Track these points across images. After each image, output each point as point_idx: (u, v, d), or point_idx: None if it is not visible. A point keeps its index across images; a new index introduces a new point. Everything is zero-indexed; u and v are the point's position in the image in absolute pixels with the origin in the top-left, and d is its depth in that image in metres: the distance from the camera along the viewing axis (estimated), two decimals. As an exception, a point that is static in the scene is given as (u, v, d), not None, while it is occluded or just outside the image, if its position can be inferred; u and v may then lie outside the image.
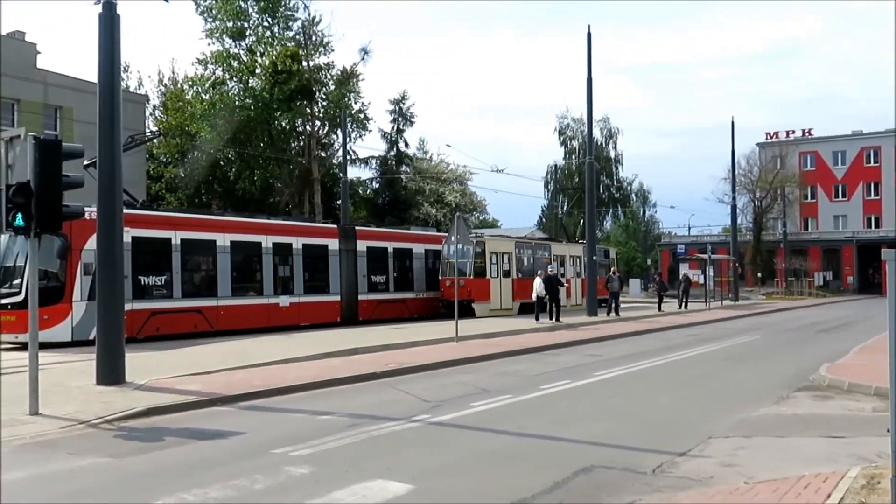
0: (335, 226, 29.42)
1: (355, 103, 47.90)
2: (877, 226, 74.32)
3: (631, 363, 16.15)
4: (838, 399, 11.56)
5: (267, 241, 24.66)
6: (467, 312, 29.61)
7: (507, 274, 32.52)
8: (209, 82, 46.68)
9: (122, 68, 43.99)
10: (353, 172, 52.87)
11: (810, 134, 77.74)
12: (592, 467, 7.32)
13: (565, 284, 32.49)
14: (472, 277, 29.76)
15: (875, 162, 75.42)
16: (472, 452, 8.05)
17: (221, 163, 47.29)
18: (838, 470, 6.90)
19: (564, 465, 7.36)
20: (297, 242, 25.74)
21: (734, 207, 53.67)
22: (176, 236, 21.87)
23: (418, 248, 31.18)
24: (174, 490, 6.52)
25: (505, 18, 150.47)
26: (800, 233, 74.45)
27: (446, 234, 23.87)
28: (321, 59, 47.40)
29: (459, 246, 30.68)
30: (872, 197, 75.66)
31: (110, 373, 11.89)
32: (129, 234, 18.25)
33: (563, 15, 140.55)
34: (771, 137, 78.81)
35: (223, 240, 23.20)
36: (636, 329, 25.21)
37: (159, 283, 21.43)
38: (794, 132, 78.07)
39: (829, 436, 8.94)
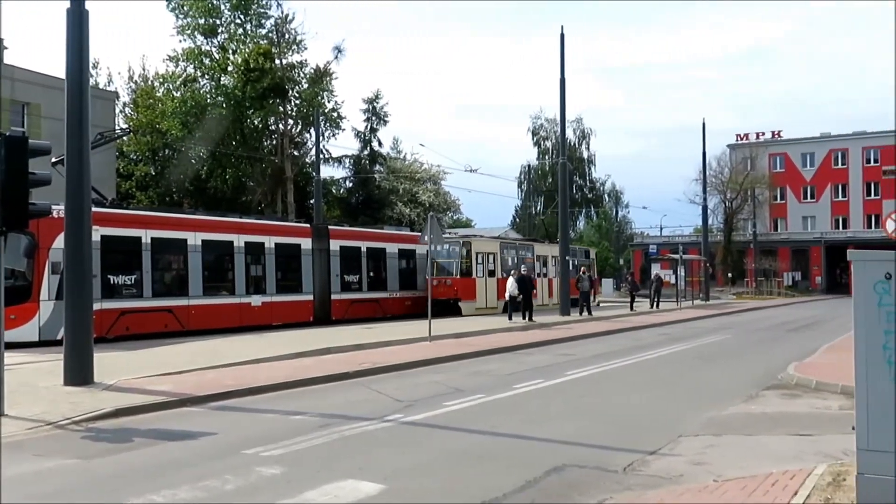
0: (308, 225, 29.28)
1: (328, 102, 47.79)
2: (844, 227, 75.49)
3: (603, 362, 16.25)
4: (806, 397, 11.72)
5: (239, 241, 24.47)
6: (454, 311, 30.34)
7: (492, 273, 32.73)
8: (180, 80, 46.27)
9: (92, 64, 43.26)
10: (327, 171, 52.72)
11: (780, 136, 78.77)
12: (564, 466, 7.35)
13: (534, 287, 32.81)
14: (458, 277, 30.49)
15: (843, 164, 76.62)
16: (444, 452, 8.05)
17: (193, 161, 46.89)
18: (805, 467, 7.00)
19: (536, 464, 7.38)
20: (270, 242, 25.57)
21: (705, 208, 54.27)
22: (146, 235, 21.63)
23: (392, 248, 31.14)
24: (143, 491, 6.45)
25: (479, 19, 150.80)
26: (769, 233, 75.40)
27: (420, 234, 23.87)
28: (294, 58, 47.25)
29: (447, 247, 31.66)
30: (840, 198, 76.85)
31: (78, 373, 11.73)
32: (98, 232, 18.02)
33: (538, 15, 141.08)
34: (741, 139, 79.76)
35: (194, 239, 22.99)
36: (608, 328, 25.37)
37: (129, 283, 21.18)
38: (763, 134, 79.06)
39: (797, 434, 9.05)
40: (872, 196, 74.49)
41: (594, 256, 46.77)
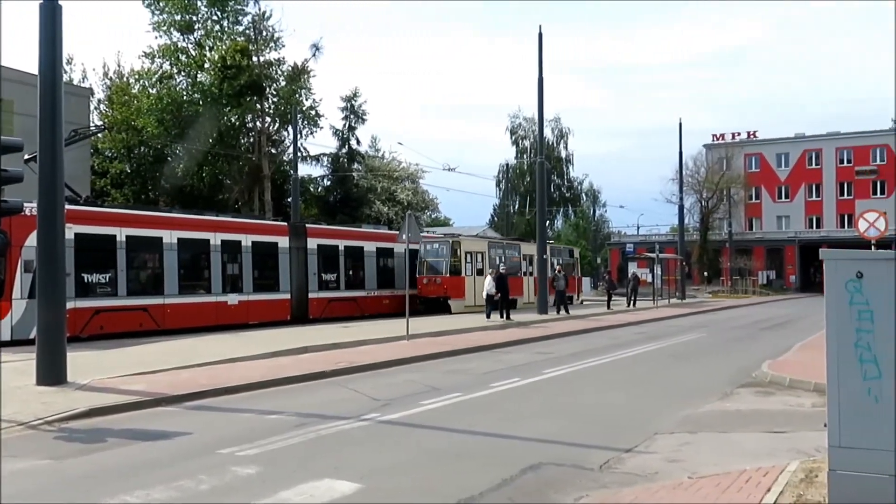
0: (285, 223, 29.13)
1: (306, 100, 47.63)
2: (818, 226, 76.36)
3: (579, 361, 16.32)
4: (780, 395, 11.84)
5: (215, 239, 24.29)
6: (444, 309, 30.85)
7: (480, 272, 32.90)
8: (156, 76, 45.87)
9: (66, 60, 42.73)
10: (304, 170, 52.51)
11: (755, 136, 79.51)
12: (540, 464, 7.37)
13: (516, 285, 33.26)
14: (447, 276, 30.99)
15: (817, 164, 77.49)
16: (420, 451, 8.04)
17: (169, 158, 46.49)
18: (778, 464, 7.07)
19: (513, 462, 7.40)
20: (247, 240, 25.41)
21: (681, 207, 54.65)
22: (121, 233, 21.41)
23: (370, 247, 31.06)
24: (116, 492, 6.38)
25: (459, 18, 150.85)
26: (744, 233, 76.10)
27: (398, 232, 23.87)
28: (271, 55, 47.02)
29: (436, 246, 32.28)
30: (814, 198, 77.72)
31: (51, 373, 11.58)
32: (71, 230, 17.80)
33: (516, 15, 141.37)
34: (717, 139, 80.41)
35: (170, 237, 22.79)
36: (585, 327, 25.48)
37: (103, 281, 20.96)
38: (739, 134, 79.76)
39: (770, 431, 9.15)
40: (845, 196, 75.42)
41: (578, 256, 47.11)
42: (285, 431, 8.79)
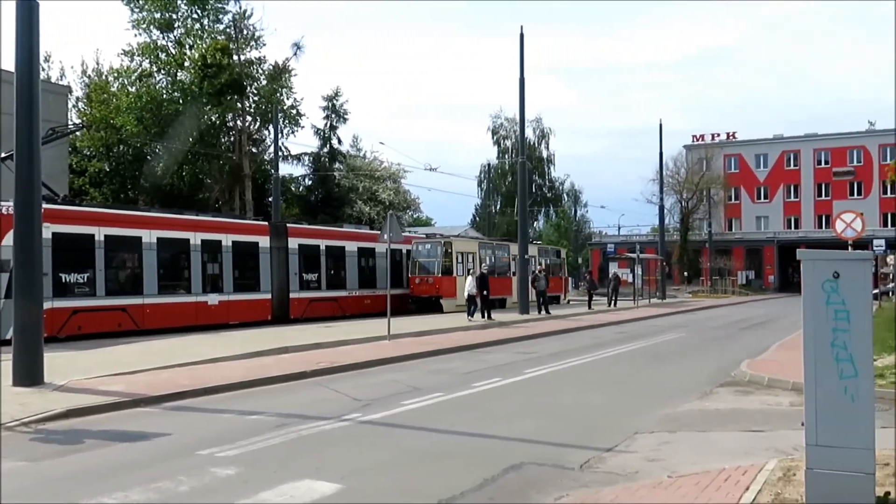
0: (266, 223, 29.00)
1: (287, 99, 47.42)
2: (796, 227, 77.06)
3: (560, 360, 16.38)
4: (758, 394, 11.94)
5: (195, 238, 24.13)
6: (435, 308, 31.56)
7: (471, 272, 33.08)
8: (135, 74, 45.49)
9: (43, 58, 42.15)
10: (286, 169, 52.23)
11: (734, 137, 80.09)
12: (522, 464, 7.38)
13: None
14: (439, 275, 31.60)
15: (795, 165, 78.19)
16: (402, 451, 8.03)
17: (148, 157, 46.12)
18: (757, 463, 7.13)
19: (494, 462, 7.40)
20: (227, 240, 25.26)
21: (662, 208, 55.01)
22: (100, 233, 21.22)
23: (351, 246, 30.99)
24: (93, 494, 6.32)
25: (440, 18, 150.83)
26: (724, 233, 76.66)
27: (380, 232, 23.85)
28: (252, 54, 46.79)
29: (428, 246, 32.88)
30: (792, 199, 78.41)
31: (27, 373, 11.45)
32: (49, 230, 17.62)
33: (498, 16, 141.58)
34: (697, 140, 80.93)
35: (149, 236, 22.62)
36: (566, 327, 25.56)
37: (81, 281, 20.76)
38: (719, 135, 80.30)
39: (749, 430, 9.22)
40: (823, 197, 76.16)
41: (565, 256, 47.63)
42: (266, 432, 8.74)
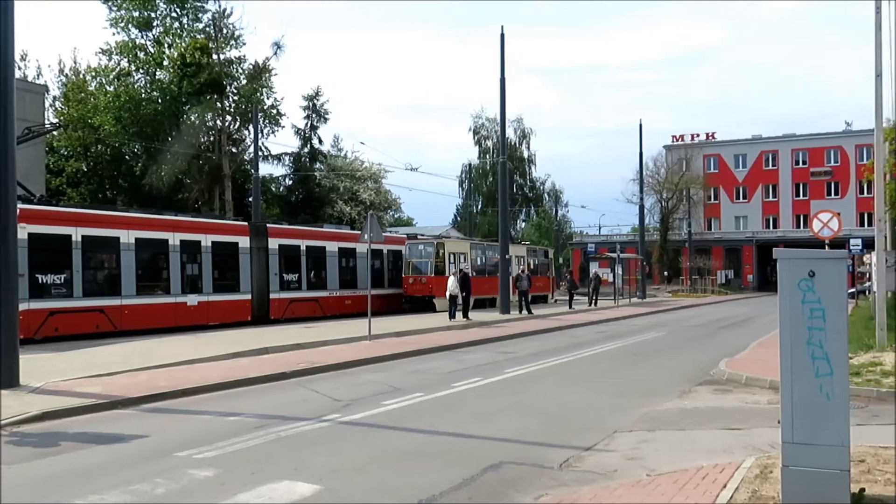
0: (246, 223, 28.82)
1: (268, 98, 47.22)
2: (774, 226, 77.73)
3: (541, 360, 16.41)
4: (736, 392, 12.03)
5: (174, 239, 23.94)
6: (428, 307, 32.19)
7: (454, 272, 33.32)
8: (114, 73, 45.11)
9: (19, 56, 41.63)
10: (266, 169, 52.05)
11: (713, 137, 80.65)
12: (501, 463, 7.38)
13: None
14: (432, 275, 32.15)
15: (773, 165, 78.86)
16: (381, 451, 8.00)
17: (127, 157, 45.73)
18: (734, 461, 7.19)
19: (474, 461, 7.40)
20: (206, 240, 25.09)
21: (642, 208, 55.26)
22: (77, 233, 21.00)
23: (332, 247, 30.88)
24: (69, 497, 6.26)
25: (420, 18, 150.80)
26: (703, 233, 77.21)
27: (360, 232, 23.79)
28: (232, 53, 46.56)
29: (421, 247, 33.42)
30: (771, 199, 79.08)
31: (3, 376, 11.31)
32: (24, 230, 17.46)
33: (479, 16, 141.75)
34: (677, 140, 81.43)
35: (128, 237, 22.41)
36: (547, 326, 25.62)
37: (58, 282, 20.54)
38: (698, 135, 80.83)
39: (727, 428, 9.28)
40: (801, 197, 76.87)
41: (552, 256, 48.00)
42: (245, 433, 8.69)
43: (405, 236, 36.58)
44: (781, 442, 5.39)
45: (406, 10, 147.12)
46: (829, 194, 74.83)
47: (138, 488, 6.49)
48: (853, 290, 38.73)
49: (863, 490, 5.75)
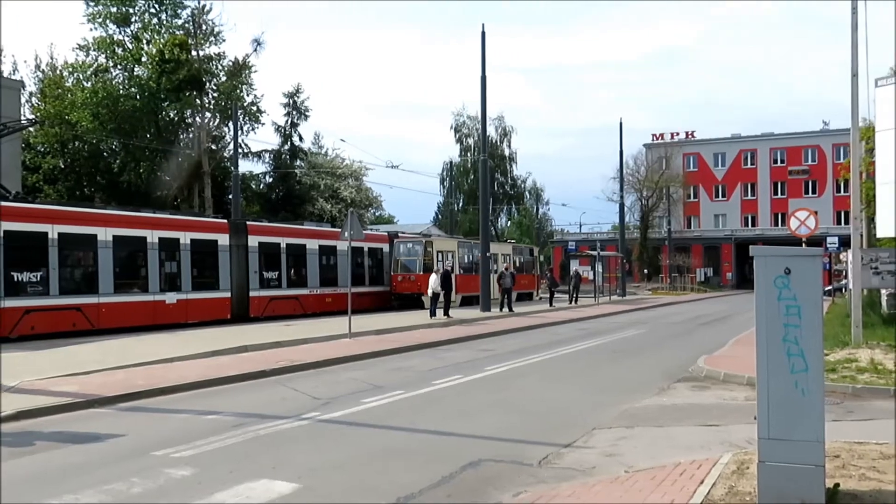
0: (225, 220, 28.63)
1: (247, 95, 46.92)
2: (753, 224, 78.41)
3: (522, 357, 16.44)
4: (714, 389, 12.11)
5: (153, 236, 23.74)
6: (417, 304, 32.51)
7: (435, 270, 33.43)
8: (91, 69, 44.64)
9: (-6, 51, 40.84)
10: (246, 166, 51.75)
11: (693, 136, 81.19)
12: (480, 461, 7.38)
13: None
14: (421, 273, 32.58)
15: (752, 164, 79.54)
16: (361, 449, 7.98)
17: (105, 154, 45.29)
18: (712, 457, 7.23)
19: (453, 459, 7.40)
20: (185, 237, 24.90)
21: (622, 206, 55.48)
22: (53, 230, 20.76)
23: (312, 244, 30.75)
24: (43, 496, 6.18)
25: (403, 16, 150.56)
26: (683, 231, 77.76)
27: (341, 230, 23.73)
28: (211, 49, 46.20)
29: (410, 245, 33.84)
30: (749, 197, 79.76)
31: (-23, 375, 11.18)
32: (0, 227, 17.22)
33: (461, 14, 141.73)
34: (657, 139, 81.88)
35: (105, 234, 22.19)
36: (528, 324, 25.68)
37: (34, 280, 20.30)
38: (678, 134, 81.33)
39: (704, 424, 9.34)
40: (779, 195, 77.59)
41: (537, 254, 48.24)
42: (223, 432, 8.63)
43: (386, 234, 36.55)
44: (757, 438, 5.43)
45: (389, 9, 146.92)
46: (806, 193, 75.60)
47: (114, 488, 6.43)
48: (829, 287, 39.14)
49: (837, 485, 5.81)
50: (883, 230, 17.28)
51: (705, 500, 5.83)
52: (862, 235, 19.84)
